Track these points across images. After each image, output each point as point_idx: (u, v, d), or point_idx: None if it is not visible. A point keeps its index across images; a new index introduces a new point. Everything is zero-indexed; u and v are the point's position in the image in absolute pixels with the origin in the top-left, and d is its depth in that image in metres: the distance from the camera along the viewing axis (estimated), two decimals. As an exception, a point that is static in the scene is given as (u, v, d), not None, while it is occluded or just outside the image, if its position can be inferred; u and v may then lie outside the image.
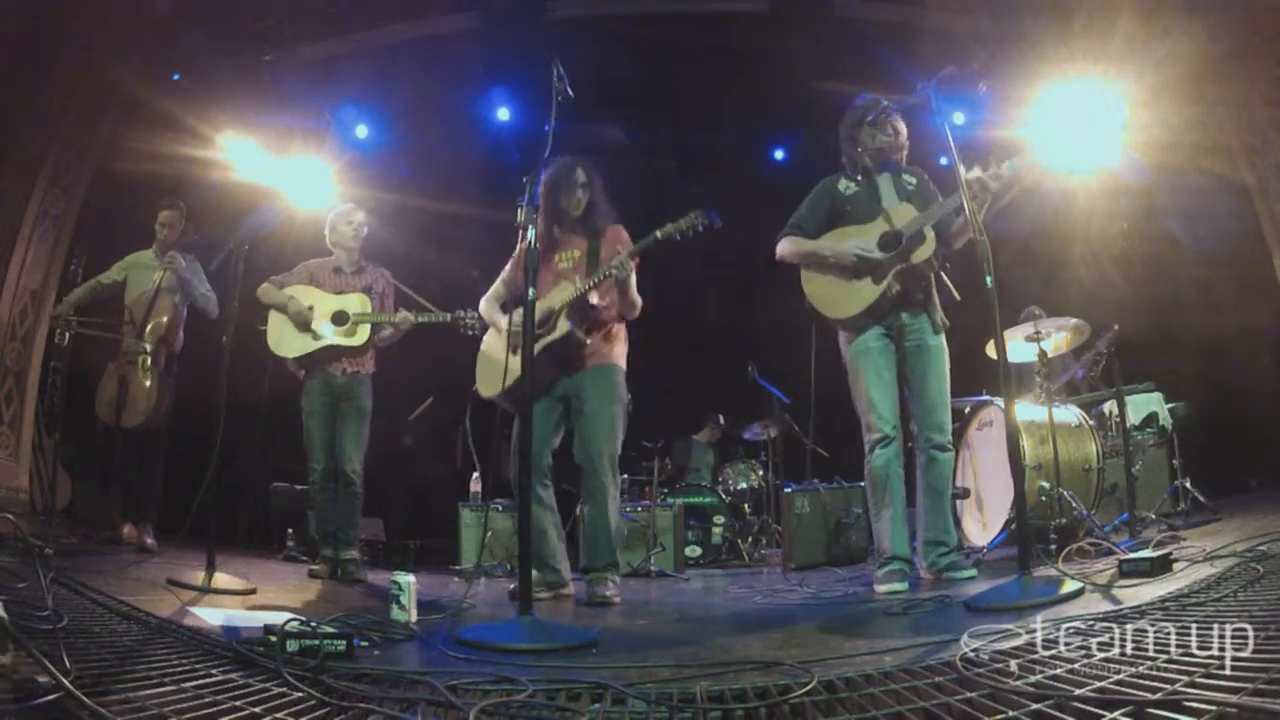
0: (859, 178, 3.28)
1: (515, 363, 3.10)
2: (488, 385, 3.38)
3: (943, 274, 3.27)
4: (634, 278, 3.26)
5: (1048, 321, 3.95)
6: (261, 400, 4.99)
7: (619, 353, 3.40)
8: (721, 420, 7.02)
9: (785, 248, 3.31)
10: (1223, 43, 4.13)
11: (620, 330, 3.44)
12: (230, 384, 3.20)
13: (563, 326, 3.19)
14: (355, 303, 3.95)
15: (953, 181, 3.02)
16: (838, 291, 3.21)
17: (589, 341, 3.28)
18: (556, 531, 3.36)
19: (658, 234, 3.10)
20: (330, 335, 3.89)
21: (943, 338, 3.16)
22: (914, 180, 3.26)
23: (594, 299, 3.23)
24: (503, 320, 3.40)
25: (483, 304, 3.55)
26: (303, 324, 3.89)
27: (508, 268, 3.53)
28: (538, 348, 3.15)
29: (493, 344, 3.46)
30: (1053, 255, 5.52)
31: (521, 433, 2.51)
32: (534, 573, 3.10)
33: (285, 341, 3.92)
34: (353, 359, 3.97)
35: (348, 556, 3.86)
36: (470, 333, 3.76)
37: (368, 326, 3.91)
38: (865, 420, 3.14)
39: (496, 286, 3.55)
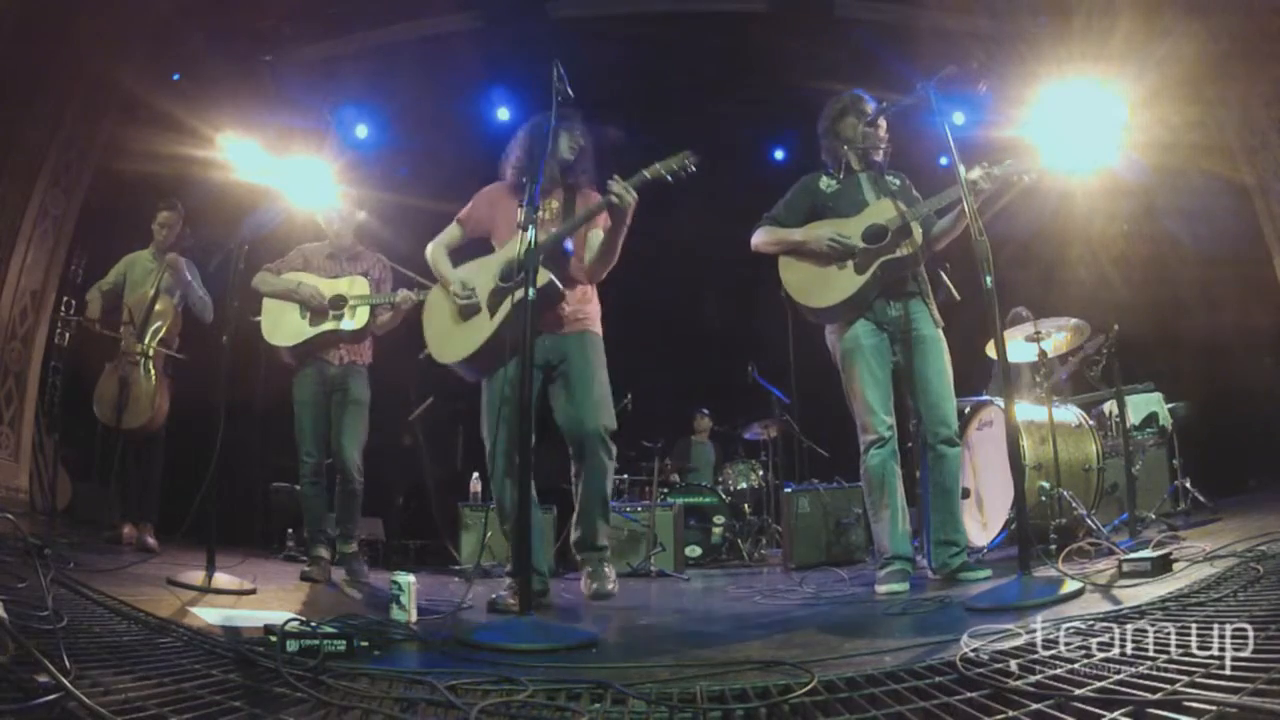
0: (840, 175, 3.24)
1: (483, 322, 2.97)
2: (448, 347, 3.10)
3: (942, 273, 3.26)
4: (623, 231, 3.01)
5: (1047, 321, 3.95)
6: (261, 400, 4.97)
7: (598, 317, 3.21)
8: (707, 411, 7.05)
9: (760, 237, 3.26)
10: (1223, 43, 4.13)
11: (595, 293, 3.24)
12: (230, 384, 3.20)
13: (542, 275, 2.91)
14: (353, 285, 3.81)
15: (939, 185, 3.03)
16: (816, 281, 3.13)
17: (567, 294, 3.06)
18: (537, 528, 3.11)
19: (645, 173, 2.86)
20: (329, 320, 3.76)
21: (940, 330, 3.11)
22: (897, 182, 3.23)
23: (569, 245, 3.08)
24: (451, 274, 3.15)
25: (431, 249, 3.25)
26: (318, 307, 3.74)
27: (466, 210, 3.29)
28: (515, 297, 2.91)
29: (442, 303, 3.19)
30: (1052, 256, 5.53)
31: (521, 434, 2.45)
32: (513, 580, 2.86)
33: (280, 329, 3.77)
34: (350, 346, 3.85)
35: (349, 550, 3.80)
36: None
37: (366, 309, 3.77)
38: (861, 421, 3.08)
39: (451, 230, 3.27)
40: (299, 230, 4.36)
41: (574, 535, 3.12)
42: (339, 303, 3.77)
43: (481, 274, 3.13)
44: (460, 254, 3.29)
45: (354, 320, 3.77)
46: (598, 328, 3.19)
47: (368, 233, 4.10)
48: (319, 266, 3.91)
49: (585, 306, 3.17)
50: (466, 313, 3.10)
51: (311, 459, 3.76)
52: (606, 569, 3.08)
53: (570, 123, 3.19)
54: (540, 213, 3.06)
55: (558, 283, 2.97)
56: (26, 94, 4.30)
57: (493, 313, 3.03)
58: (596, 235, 3.10)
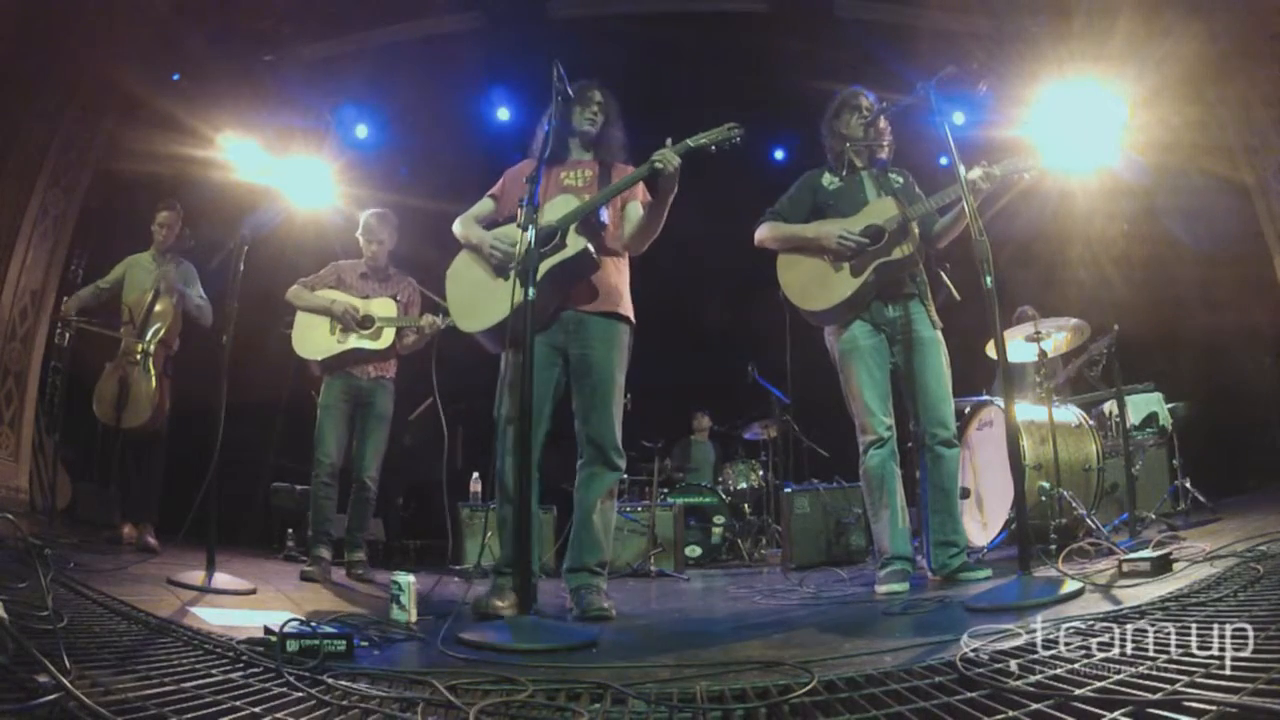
0: (843, 173, 3.24)
1: (513, 289, 2.68)
2: (475, 313, 2.91)
3: (942, 273, 3.26)
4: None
5: (1047, 322, 3.95)
6: (262, 400, 4.97)
7: (628, 295, 3.01)
8: (707, 411, 7.05)
9: (765, 232, 3.25)
10: (1223, 43, 4.13)
11: (627, 270, 3.06)
12: (231, 383, 3.20)
13: (576, 242, 2.78)
14: (381, 307, 4.02)
15: (939, 185, 3.02)
16: (814, 283, 3.13)
17: (601, 268, 2.88)
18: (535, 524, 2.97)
19: (689, 142, 2.76)
20: (355, 338, 3.95)
21: (938, 331, 3.11)
22: (900, 180, 3.22)
23: (604, 216, 2.94)
24: (484, 234, 2.99)
25: (461, 221, 3.08)
26: (352, 322, 3.93)
27: (499, 185, 3.16)
28: (545, 267, 2.72)
29: (470, 267, 3.03)
30: (1052, 256, 5.53)
31: (521, 434, 2.43)
32: (499, 580, 2.80)
33: (309, 342, 3.98)
34: (378, 363, 4.06)
35: (356, 558, 4.00)
36: None
37: (392, 330, 3.98)
38: (859, 422, 3.09)
39: (483, 204, 3.13)
40: (299, 230, 4.37)
41: (570, 558, 2.87)
42: (368, 322, 3.97)
43: (516, 239, 2.88)
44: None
45: (379, 341, 3.96)
46: (628, 309, 2.97)
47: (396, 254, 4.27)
48: (352, 285, 4.10)
49: (619, 285, 2.98)
50: (499, 271, 2.93)
51: (328, 460, 3.93)
52: (602, 582, 2.85)
53: (585, 94, 3.07)
54: (568, 179, 3.01)
55: (593, 252, 2.80)
56: (26, 94, 4.30)
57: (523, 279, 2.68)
58: (634, 208, 2.98)
